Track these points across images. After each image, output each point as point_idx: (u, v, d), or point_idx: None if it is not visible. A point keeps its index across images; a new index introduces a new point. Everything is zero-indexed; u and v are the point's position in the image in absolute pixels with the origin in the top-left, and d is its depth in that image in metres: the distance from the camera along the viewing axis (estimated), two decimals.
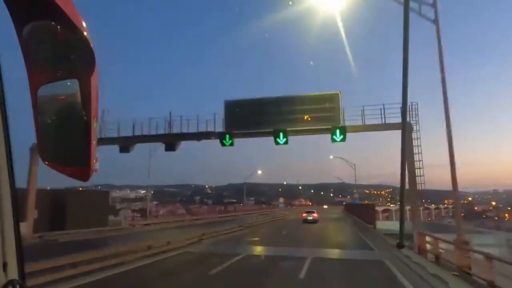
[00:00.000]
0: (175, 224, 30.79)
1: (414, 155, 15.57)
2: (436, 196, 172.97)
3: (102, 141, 17.71)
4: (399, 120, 15.80)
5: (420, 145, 15.73)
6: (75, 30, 0.85)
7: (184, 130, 18.07)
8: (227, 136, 17.09)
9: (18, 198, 0.94)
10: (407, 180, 15.36)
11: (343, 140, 15.97)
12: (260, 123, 17.00)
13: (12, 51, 0.97)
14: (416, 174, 15.50)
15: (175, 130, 18.27)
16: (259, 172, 63.09)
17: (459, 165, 11.30)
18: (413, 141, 15.67)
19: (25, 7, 0.84)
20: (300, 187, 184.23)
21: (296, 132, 17.14)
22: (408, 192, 14.37)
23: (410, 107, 16.04)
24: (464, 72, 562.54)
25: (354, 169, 39.89)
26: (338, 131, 15.92)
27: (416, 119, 15.88)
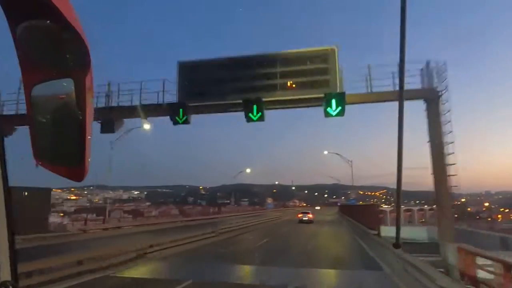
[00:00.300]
0: (141, 229, 25.41)
1: (443, 136, 10.71)
2: (424, 197, 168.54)
3: None
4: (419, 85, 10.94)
5: (450, 121, 10.87)
6: (71, 29, 0.82)
7: (126, 103, 13.07)
8: (181, 110, 12.11)
9: (11, 198, 0.93)
10: (432, 175, 10.02)
11: (340, 113, 10.97)
12: (226, 92, 12.01)
13: (6, 50, 0.94)
14: (446, 162, 10.63)
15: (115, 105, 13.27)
16: (248, 170, 56.95)
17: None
18: (441, 116, 10.82)
19: (20, 6, 0.82)
20: (293, 188, 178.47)
21: (276, 104, 12.14)
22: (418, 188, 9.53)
23: (435, 68, 11.17)
24: (459, 72, 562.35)
25: (351, 166, 35.04)
26: (334, 100, 10.91)
27: (445, 85, 10.98)
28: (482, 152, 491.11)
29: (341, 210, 57.96)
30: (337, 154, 37.47)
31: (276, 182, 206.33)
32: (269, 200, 61.04)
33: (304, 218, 35.76)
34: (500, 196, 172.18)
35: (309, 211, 40.38)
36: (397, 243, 8.11)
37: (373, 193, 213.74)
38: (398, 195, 7.55)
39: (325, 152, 43.58)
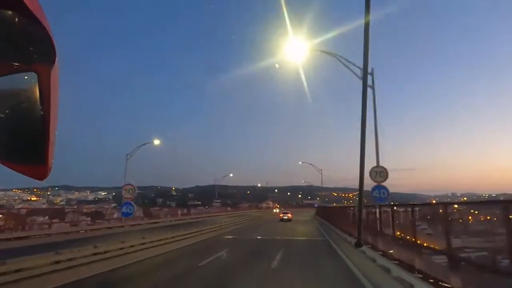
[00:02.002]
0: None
1: None
2: (401, 200, 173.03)
3: None
4: None
5: None
6: (35, 20, 0.77)
7: None
8: None
9: None
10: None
11: None
12: None
13: None
14: None
15: None
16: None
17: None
18: None
19: None
20: (258, 185, 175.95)
21: None
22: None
23: None
24: (432, 77, 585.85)
25: (321, 173, 36.25)
26: None
27: None
28: (447, 155, 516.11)
29: (322, 215, 42.35)
30: (310, 164, 39.21)
31: (227, 175, 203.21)
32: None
33: (284, 217, 44.23)
34: (465, 198, 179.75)
35: (289, 212, 48.63)
36: (358, 242, 8.74)
37: (346, 195, 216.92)
38: (361, 188, 7.56)
39: (300, 163, 43.73)
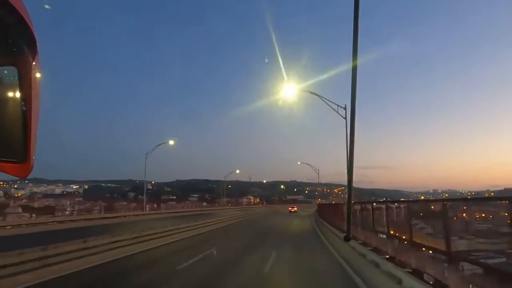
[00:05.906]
0: None
1: None
2: (384, 195, 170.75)
3: None
4: None
5: None
6: (15, 13, 0.76)
7: None
8: None
9: None
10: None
11: None
12: None
13: None
14: None
15: None
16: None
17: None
18: None
19: None
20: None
21: None
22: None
23: None
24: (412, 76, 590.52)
25: (318, 173, 42.22)
26: None
27: None
28: (427, 153, 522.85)
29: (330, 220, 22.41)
30: (307, 164, 41.29)
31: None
32: None
33: (292, 210, 55.53)
34: (447, 195, 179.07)
35: (295, 206, 61.24)
36: (347, 236, 7.20)
37: (330, 190, 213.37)
38: (350, 184, 5.23)
39: (298, 163, 52.60)
